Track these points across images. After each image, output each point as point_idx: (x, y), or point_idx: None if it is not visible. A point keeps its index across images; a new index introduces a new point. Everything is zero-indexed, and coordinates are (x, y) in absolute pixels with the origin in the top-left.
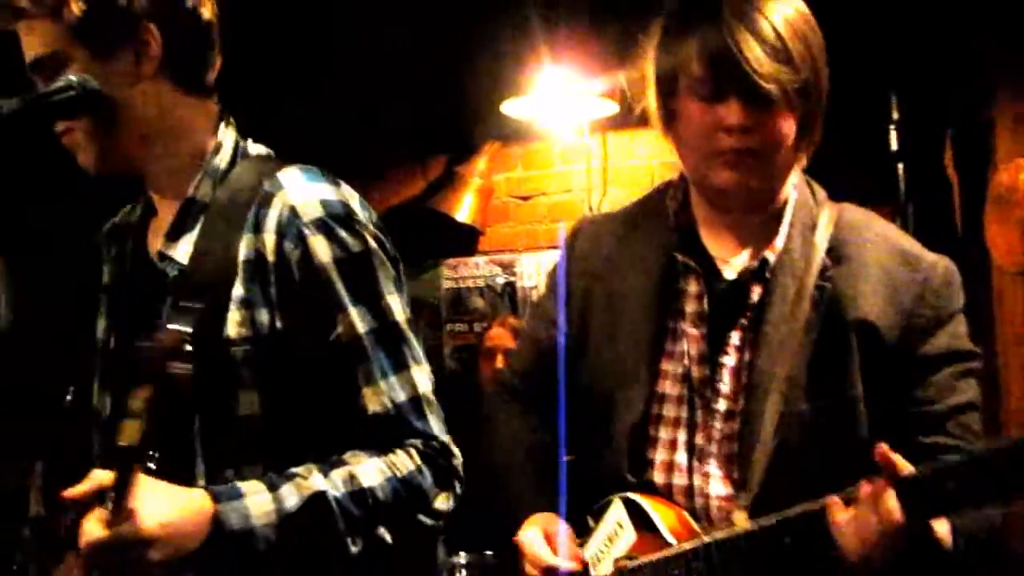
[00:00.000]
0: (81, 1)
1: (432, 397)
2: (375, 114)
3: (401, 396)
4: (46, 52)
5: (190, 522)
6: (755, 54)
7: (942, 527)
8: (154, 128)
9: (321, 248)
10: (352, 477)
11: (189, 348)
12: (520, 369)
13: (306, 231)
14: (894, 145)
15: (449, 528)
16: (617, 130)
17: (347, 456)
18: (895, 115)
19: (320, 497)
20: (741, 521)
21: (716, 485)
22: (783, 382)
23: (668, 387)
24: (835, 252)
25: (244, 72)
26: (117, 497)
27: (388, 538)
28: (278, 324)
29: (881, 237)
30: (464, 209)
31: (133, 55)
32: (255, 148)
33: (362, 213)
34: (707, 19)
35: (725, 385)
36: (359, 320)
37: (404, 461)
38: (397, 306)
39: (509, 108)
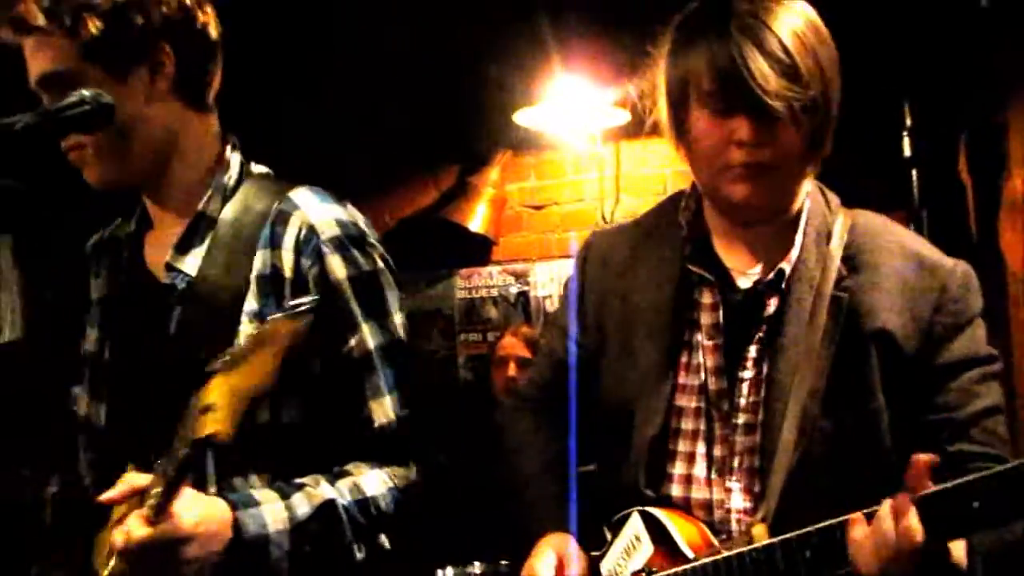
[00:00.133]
0: (99, 20)
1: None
2: (387, 125)
3: (404, 411)
4: (58, 69)
5: (217, 527)
6: (762, 71)
7: (958, 549)
8: (164, 145)
9: (337, 266)
10: (357, 487)
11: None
12: (538, 381)
13: (324, 249)
14: (908, 151)
15: (464, 538)
16: (630, 139)
17: (350, 467)
18: (908, 121)
19: (330, 506)
20: (761, 535)
21: (736, 498)
22: (802, 394)
23: (685, 400)
24: (851, 261)
25: (257, 84)
26: (167, 495)
27: (388, 545)
28: None
29: (897, 244)
30: (477, 219)
31: (148, 74)
32: (257, 168)
33: (371, 234)
34: (715, 32)
35: (743, 398)
36: (370, 336)
37: (402, 472)
38: (401, 324)
39: (521, 118)
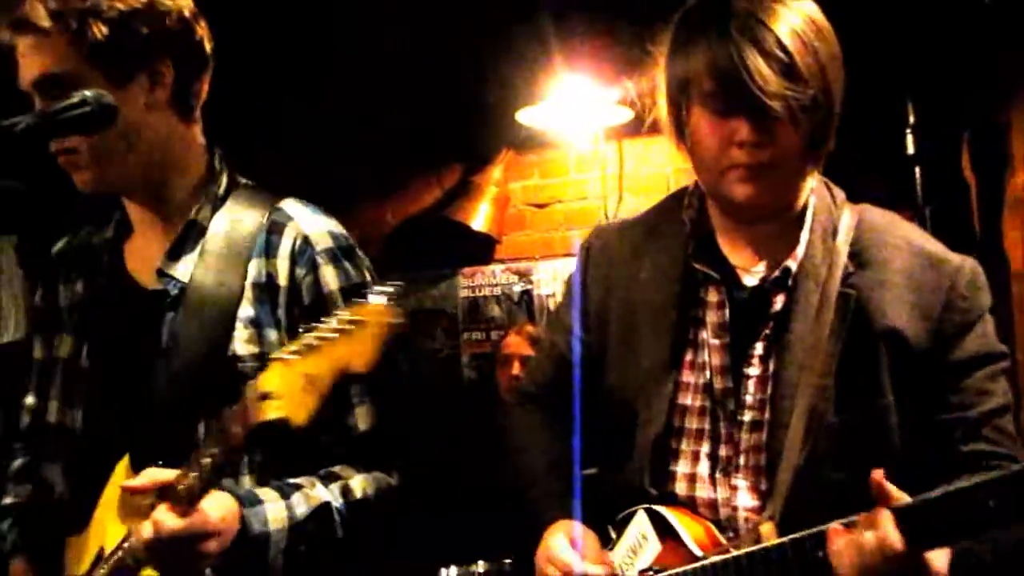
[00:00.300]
0: (104, 26)
1: None
2: (390, 124)
3: (386, 416)
4: (58, 70)
5: (232, 520)
6: (761, 71)
7: (940, 558)
8: (159, 154)
9: (331, 277)
10: (347, 489)
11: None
12: (541, 379)
13: (319, 259)
14: (911, 149)
15: (468, 537)
16: (632, 137)
17: (337, 469)
18: (911, 119)
19: (326, 507)
20: (769, 533)
21: (743, 497)
22: (810, 392)
23: (689, 398)
24: (858, 257)
25: (260, 85)
26: (203, 487)
27: (374, 546)
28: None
29: (904, 240)
30: (480, 218)
31: (148, 83)
32: (242, 179)
33: (357, 245)
34: (715, 32)
35: (750, 395)
36: None
37: (383, 477)
38: None
39: (524, 116)
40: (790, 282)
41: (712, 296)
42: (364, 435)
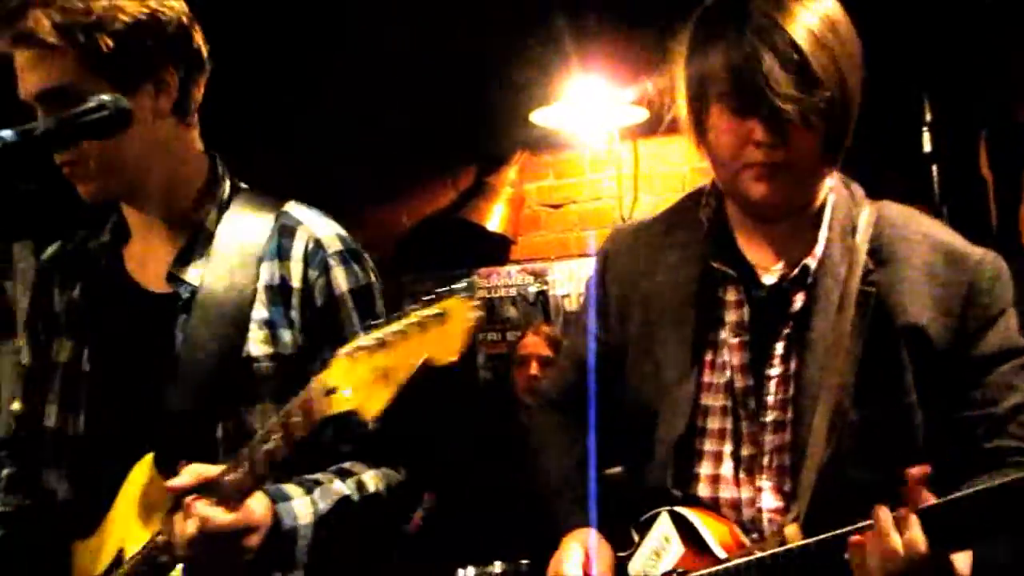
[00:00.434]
0: (110, 39)
1: None
2: (405, 126)
3: (394, 414)
4: (61, 83)
5: (267, 516)
6: (774, 75)
7: (963, 559)
8: (164, 160)
9: (342, 278)
10: (362, 484)
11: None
12: (561, 382)
13: (331, 261)
14: (928, 147)
15: (485, 537)
16: (647, 137)
17: (348, 465)
18: (928, 117)
19: (345, 501)
20: (794, 534)
21: (767, 497)
22: (832, 391)
23: (710, 399)
24: (878, 253)
25: (273, 88)
26: (253, 483)
27: (387, 540)
28: (300, 343)
29: (923, 235)
30: (495, 218)
31: (153, 91)
32: (242, 184)
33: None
34: (732, 31)
35: (771, 395)
36: None
37: (392, 473)
38: None
39: (538, 117)
40: (809, 280)
41: (731, 295)
42: (374, 432)
